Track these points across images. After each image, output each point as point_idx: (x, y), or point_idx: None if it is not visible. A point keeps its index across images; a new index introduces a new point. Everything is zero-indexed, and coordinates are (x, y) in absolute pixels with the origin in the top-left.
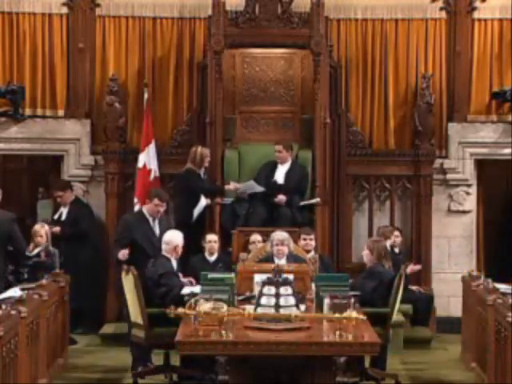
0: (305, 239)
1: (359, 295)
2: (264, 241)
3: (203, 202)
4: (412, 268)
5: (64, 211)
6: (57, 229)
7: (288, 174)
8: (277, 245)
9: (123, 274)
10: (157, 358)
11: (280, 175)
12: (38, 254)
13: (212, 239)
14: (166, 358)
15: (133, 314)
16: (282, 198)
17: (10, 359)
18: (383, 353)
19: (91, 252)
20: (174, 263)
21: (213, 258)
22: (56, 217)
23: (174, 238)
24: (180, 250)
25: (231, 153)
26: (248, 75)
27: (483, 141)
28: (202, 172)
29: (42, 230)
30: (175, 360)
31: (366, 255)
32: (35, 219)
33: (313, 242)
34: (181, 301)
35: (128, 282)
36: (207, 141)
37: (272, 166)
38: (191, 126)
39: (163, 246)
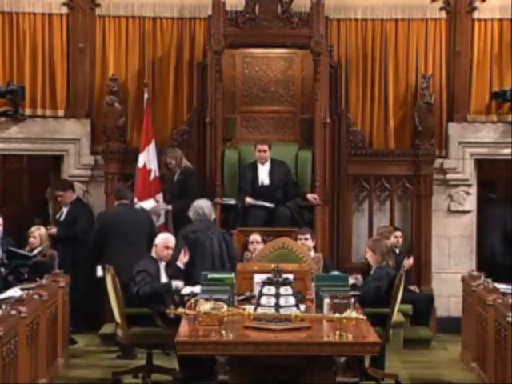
0: (300, 239)
1: (371, 298)
2: (264, 241)
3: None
4: (407, 263)
5: (64, 211)
6: (53, 230)
7: (271, 174)
8: None
9: (106, 273)
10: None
11: (264, 176)
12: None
13: None
14: (148, 357)
15: (115, 313)
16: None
17: (10, 359)
18: (382, 353)
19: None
20: (162, 266)
21: None
22: (57, 216)
23: (164, 239)
24: (165, 252)
25: (231, 153)
26: (248, 75)
27: (483, 141)
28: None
29: (36, 231)
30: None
31: (369, 256)
32: (47, 220)
33: (309, 242)
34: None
35: (108, 282)
36: (207, 141)
37: (253, 169)
38: (191, 125)
39: (153, 248)
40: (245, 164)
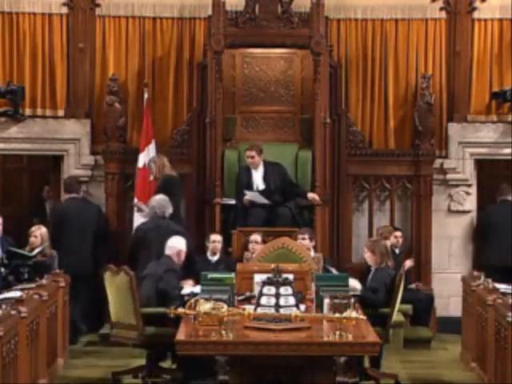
0: (299, 239)
1: (372, 298)
2: (264, 241)
3: None
4: (408, 264)
5: None
6: None
7: (265, 178)
8: None
9: (108, 274)
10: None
11: (259, 181)
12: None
13: (216, 239)
14: (148, 357)
15: (121, 314)
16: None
17: (10, 359)
18: (380, 352)
19: None
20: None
21: (215, 258)
22: None
23: (177, 243)
24: (183, 256)
25: (231, 153)
26: (248, 75)
27: (483, 141)
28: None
29: (37, 231)
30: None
31: (368, 257)
32: (44, 219)
33: (306, 242)
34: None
35: (116, 282)
36: (207, 141)
37: (247, 173)
38: (191, 125)
39: (167, 251)
40: (242, 165)
